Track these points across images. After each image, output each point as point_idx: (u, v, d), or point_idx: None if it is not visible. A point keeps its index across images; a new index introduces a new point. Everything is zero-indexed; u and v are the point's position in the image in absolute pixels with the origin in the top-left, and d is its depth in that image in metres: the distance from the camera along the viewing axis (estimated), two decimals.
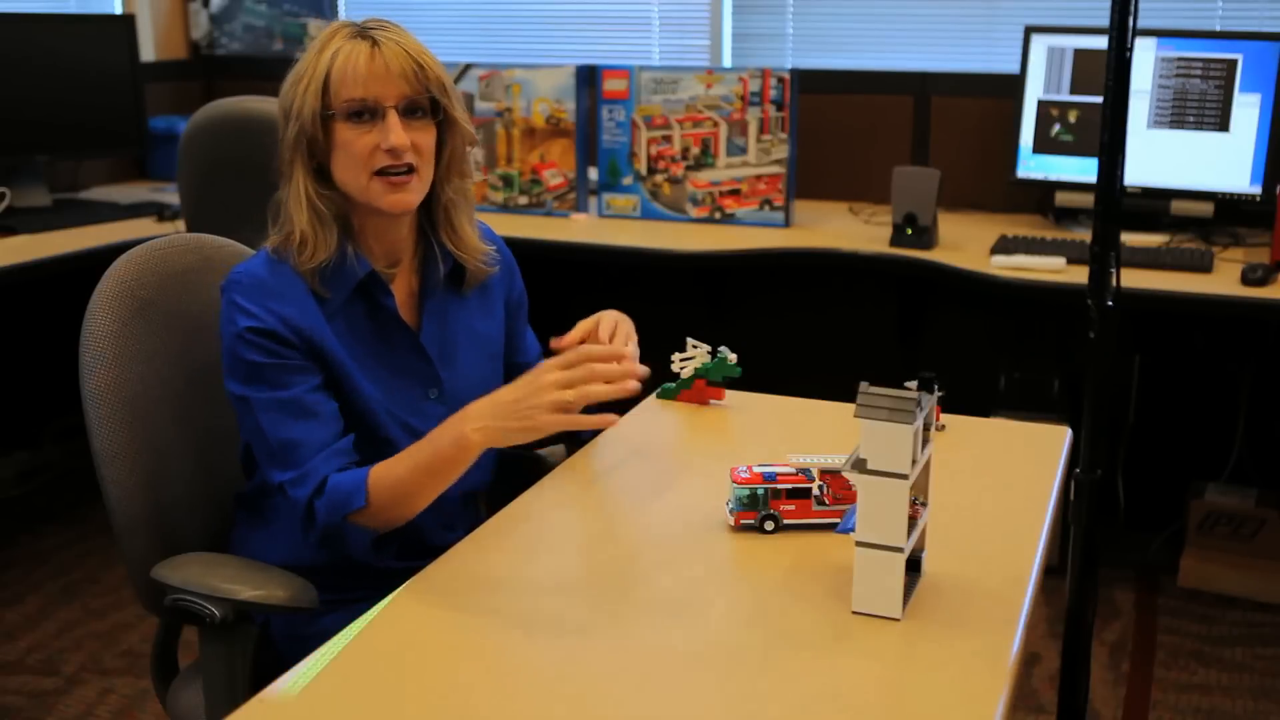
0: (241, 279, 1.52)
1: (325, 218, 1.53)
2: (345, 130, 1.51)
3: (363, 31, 1.52)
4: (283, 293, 1.52)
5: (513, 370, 1.74)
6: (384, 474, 1.47)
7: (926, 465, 1.34)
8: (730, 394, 1.94)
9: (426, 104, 1.54)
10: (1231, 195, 2.92)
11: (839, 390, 1.79)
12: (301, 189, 1.53)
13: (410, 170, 1.52)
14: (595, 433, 1.77)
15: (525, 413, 1.41)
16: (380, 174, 1.51)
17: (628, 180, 3.29)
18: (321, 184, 1.54)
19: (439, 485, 1.47)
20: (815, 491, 1.48)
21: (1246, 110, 2.88)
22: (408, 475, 1.46)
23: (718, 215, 3.22)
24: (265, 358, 1.49)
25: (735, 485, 1.47)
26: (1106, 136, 1.49)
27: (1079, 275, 2.55)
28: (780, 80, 3.10)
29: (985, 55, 3.32)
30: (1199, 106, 2.92)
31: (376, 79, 1.50)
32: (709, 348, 1.92)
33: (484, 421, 1.43)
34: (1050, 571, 1.71)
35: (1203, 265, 2.68)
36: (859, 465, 1.24)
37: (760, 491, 1.46)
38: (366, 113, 1.50)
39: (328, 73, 1.50)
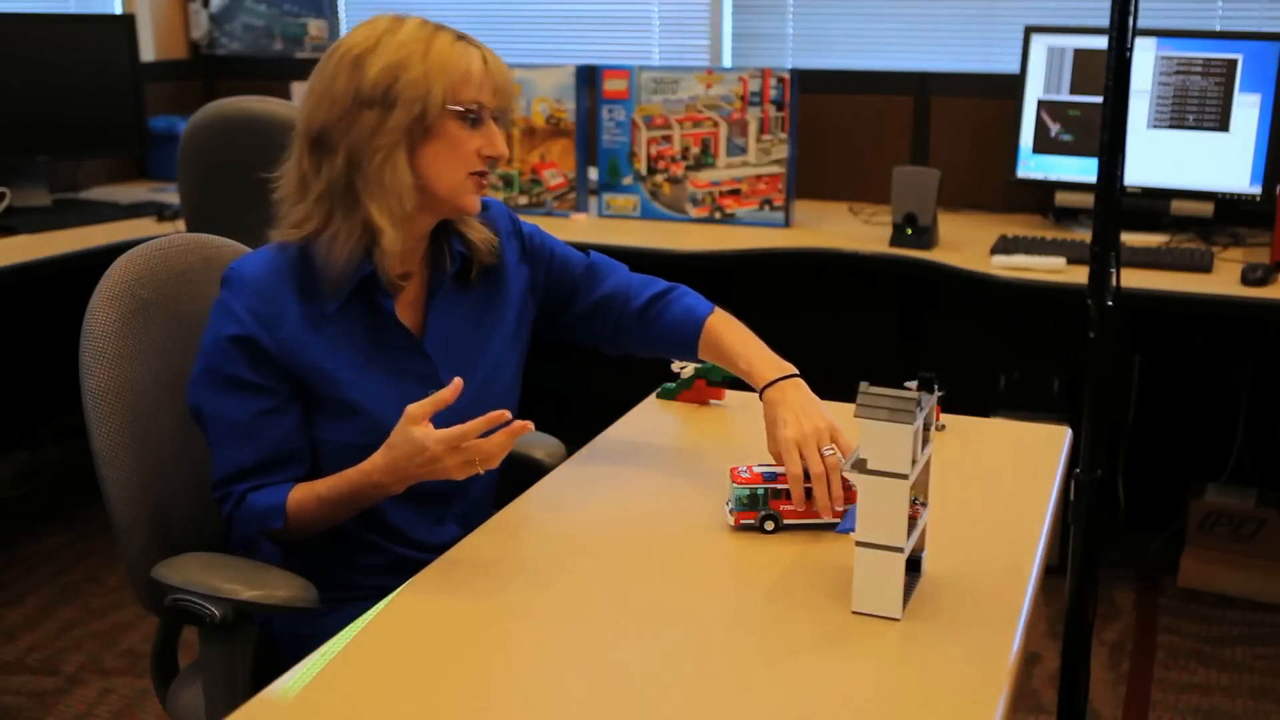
0: (235, 278, 1.52)
1: (410, 205, 1.52)
2: (456, 128, 1.52)
3: (466, 38, 1.55)
4: (276, 296, 1.51)
5: (581, 302, 1.76)
6: (302, 500, 1.51)
7: (926, 465, 1.35)
8: (730, 394, 1.94)
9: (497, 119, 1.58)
10: (1231, 195, 2.92)
11: (839, 390, 1.79)
12: (404, 172, 1.50)
13: (488, 174, 1.58)
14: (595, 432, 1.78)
15: (439, 472, 1.44)
16: (473, 176, 1.55)
17: (628, 180, 3.29)
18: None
19: (347, 517, 1.54)
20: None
21: (1246, 110, 2.88)
22: (323, 509, 1.51)
23: (718, 215, 3.22)
24: (234, 370, 1.50)
25: (735, 485, 1.47)
26: (1106, 136, 1.49)
27: (1079, 275, 2.55)
28: (780, 80, 3.10)
29: (985, 55, 3.32)
30: (1199, 106, 2.92)
31: (496, 88, 1.54)
32: None
33: (401, 478, 1.46)
34: (1050, 571, 1.71)
35: (1203, 265, 2.68)
36: (859, 465, 1.24)
37: (760, 491, 1.47)
38: (477, 116, 1.53)
39: (447, 68, 1.50)
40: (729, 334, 1.71)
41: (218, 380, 1.51)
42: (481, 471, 1.44)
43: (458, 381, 1.41)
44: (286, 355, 1.51)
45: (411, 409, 1.41)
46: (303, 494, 1.51)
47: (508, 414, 1.40)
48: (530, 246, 1.75)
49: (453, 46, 1.52)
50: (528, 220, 1.80)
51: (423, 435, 1.40)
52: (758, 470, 1.48)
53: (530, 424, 1.42)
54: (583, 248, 1.81)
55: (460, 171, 1.54)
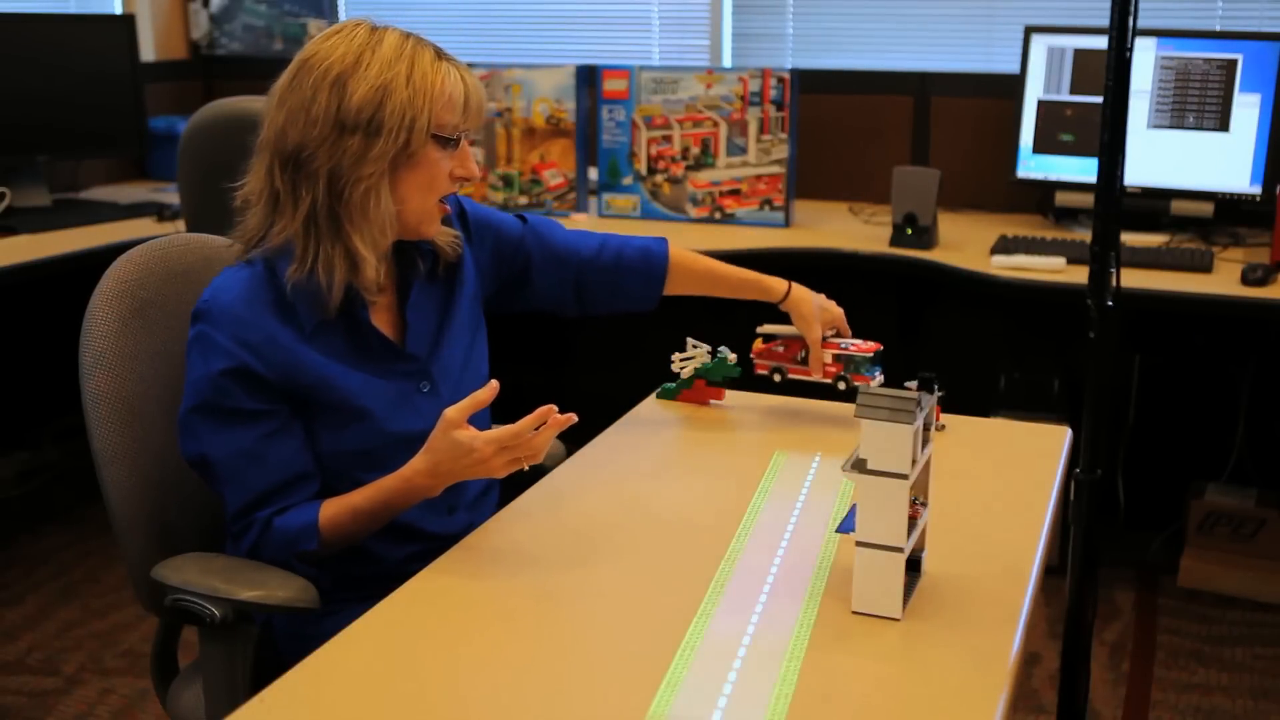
0: (211, 311, 1.48)
1: (389, 234, 1.51)
2: (434, 153, 1.50)
3: (444, 55, 1.52)
4: (255, 320, 1.48)
5: (537, 268, 1.81)
6: (334, 515, 1.49)
7: (926, 465, 1.35)
8: (730, 394, 1.94)
9: None
10: (1231, 195, 2.92)
11: (839, 390, 1.80)
12: (386, 207, 1.48)
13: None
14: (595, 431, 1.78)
15: (484, 471, 1.44)
16: (440, 200, 1.54)
17: (628, 180, 3.29)
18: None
19: (380, 526, 1.53)
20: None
21: (1246, 110, 2.88)
22: (360, 521, 1.50)
23: (718, 215, 3.22)
24: (231, 402, 1.47)
25: (761, 359, 1.88)
26: (1106, 136, 1.49)
27: (1079, 275, 2.55)
28: (780, 80, 3.10)
29: (985, 55, 3.32)
30: (1199, 106, 2.92)
31: (474, 111, 1.53)
32: (709, 348, 1.92)
33: (444, 481, 1.46)
34: (1050, 571, 1.71)
35: (1203, 265, 2.68)
36: (859, 465, 1.24)
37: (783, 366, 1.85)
38: (453, 140, 1.52)
39: (433, 92, 1.48)
40: (707, 260, 1.90)
41: (215, 416, 1.47)
42: (526, 468, 1.44)
43: (494, 383, 1.42)
44: (282, 377, 1.49)
45: (449, 414, 1.41)
46: (335, 509, 1.49)
47: (554, 408, 1.40)
48: (473, 224, 1.75)
49: (434, 68, 1.49)
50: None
51: (469, 438, 1.40)
52: (777, 350, 1.86)
53: (574, 416, 1.42)
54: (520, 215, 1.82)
55: (432, 197, 1.53)
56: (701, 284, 1.89)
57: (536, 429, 1.41)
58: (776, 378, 1.88)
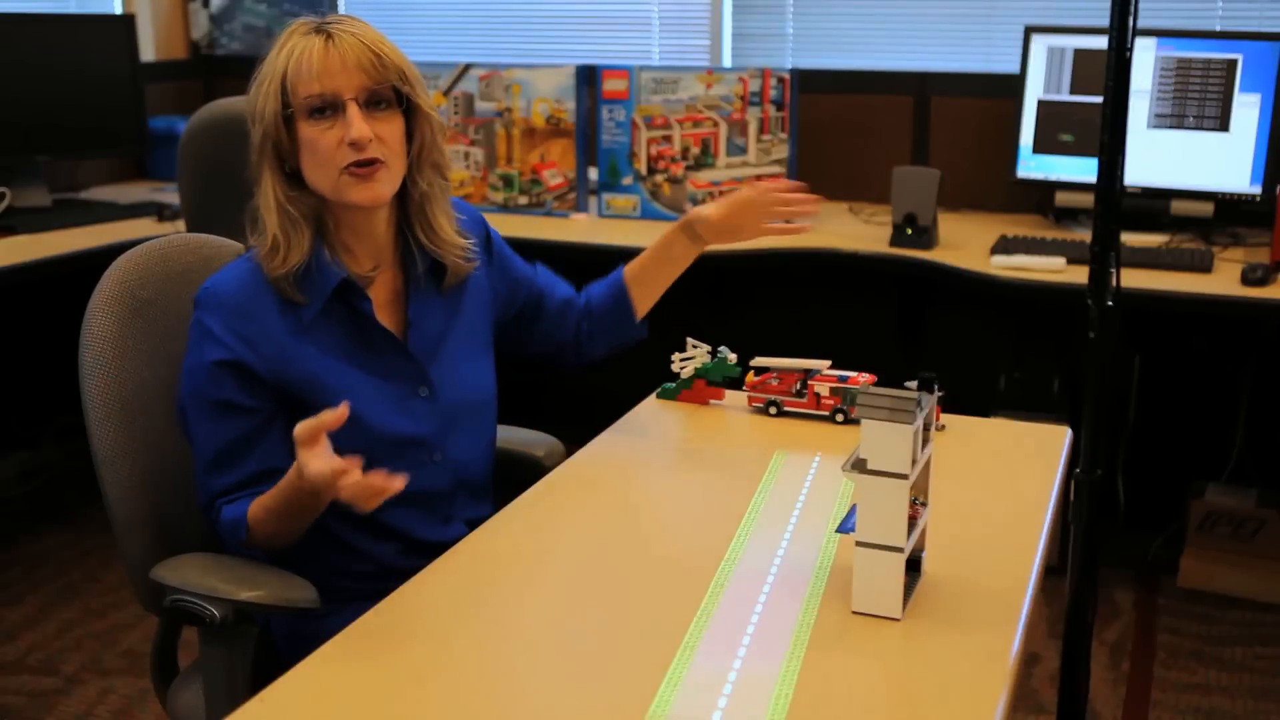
0: (210, 299, 1.50)
1: (297, 221, 1.51)
2: (308, 128, 1.48)
3: (318, 27, 1.50)
4: (253, 311, 1.50)
5: (548, 309, 1.81)
6: (256, 512, 1.48)
7: (926, 465, 1.35)
8: (730, 394, 1.94)
9: (389, 94, 1.51)
10: (1231, 195, 2.92)
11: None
12: (271, 193, 1.51)
13: (376, 162, 1.50)
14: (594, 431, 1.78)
15: (333, 493, 1.36)
16: (348, 169, 1.49)
17: (628, 180, 3.29)
18: (293, 186, 1.52)
19: (304, 526, 1.49)
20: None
21: (1246, 110, 2.88)
22: (274, 520, 1.47)
23: None
24: (223, 394, 1.49)
25: (757, 392, 1.85)
26: (1106, 136, 1.49)
27: (1079, 275, 2.54)
28: (780, 80, 3.10)
29: (985, 55, 3.32)
30: (1199, 106, 2.92)
31: (332, 73, 1.47)
32: (709, 348, 1.92)
33: (320, 493, 1.39)
34: (1050, 571, 1.71)
35: (1203, 265, 2.68)
36: (859, 465, 1.24)
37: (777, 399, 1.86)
38: (327, 108, 1.48)
39: (284, 71, 1.48)
40: (635, 259, 1.84)
41: (207, 406, 1.49)
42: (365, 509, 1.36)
43: (345, 406, 1.33)
44: (275, 372, 1.50)
45: (297, 430, 1.34)
46: (257, 504, 1.49)
47: (346, 410, 1.32)
48: (495, 251, 1.75)
49: (299, 43, 1.49)
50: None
51: (304, 459, 1.34)
52: (772, 383, 1.85)
53: (401, 483, 1.33)
54: (576, 249, 1.82)
55: (330, 170, 1.49)
56: (647, 279, 1.84)
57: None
58: (772, 411, 1.86)
